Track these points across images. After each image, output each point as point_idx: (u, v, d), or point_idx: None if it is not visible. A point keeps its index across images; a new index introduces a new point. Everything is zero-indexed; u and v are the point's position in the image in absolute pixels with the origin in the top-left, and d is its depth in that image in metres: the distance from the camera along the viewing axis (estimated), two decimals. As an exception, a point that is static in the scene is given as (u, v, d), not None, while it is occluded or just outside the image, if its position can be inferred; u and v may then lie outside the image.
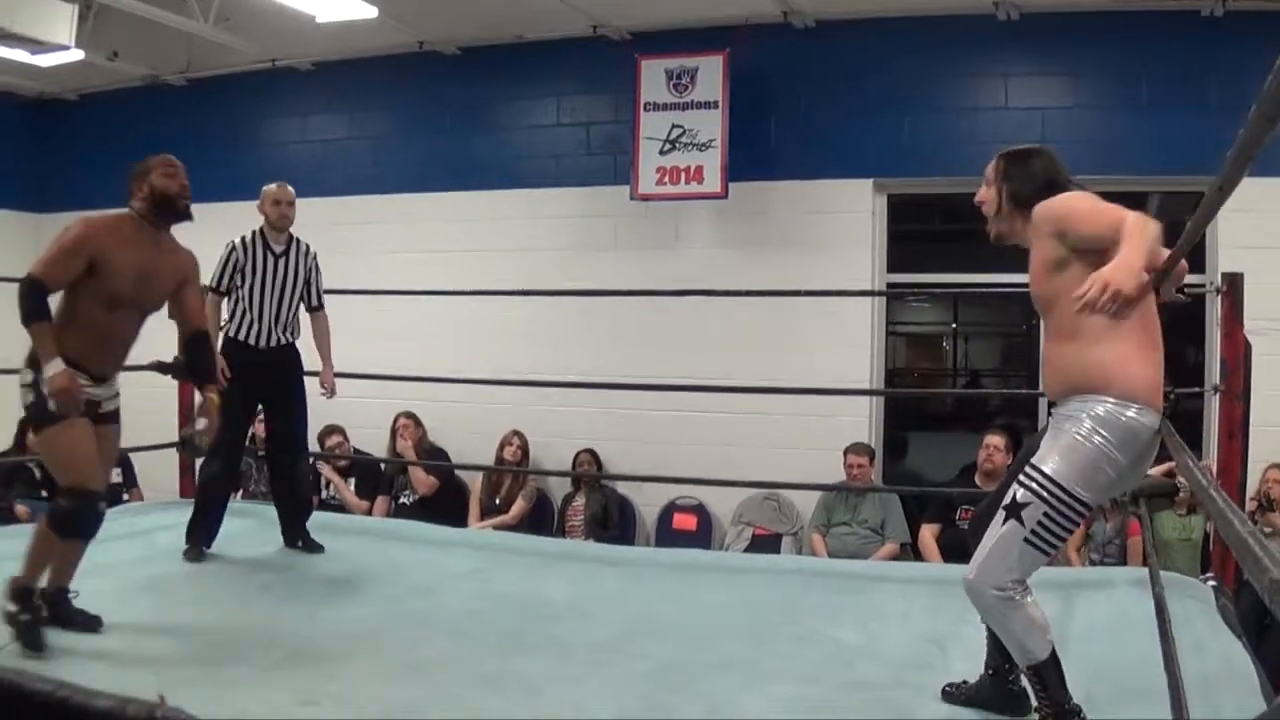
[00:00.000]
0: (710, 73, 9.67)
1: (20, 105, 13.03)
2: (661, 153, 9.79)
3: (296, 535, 7.07)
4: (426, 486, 9.92)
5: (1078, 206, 3.91)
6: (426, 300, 9.28)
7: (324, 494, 10.14)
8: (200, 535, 6.86)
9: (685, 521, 10.04)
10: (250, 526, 7.45)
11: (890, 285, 9.99)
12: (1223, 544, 5.97)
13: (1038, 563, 3.85)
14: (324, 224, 10.88)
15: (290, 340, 7.04)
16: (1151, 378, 3.83)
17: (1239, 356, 6.28)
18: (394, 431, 10.20)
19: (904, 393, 11.57)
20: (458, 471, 10.33)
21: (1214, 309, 7.71)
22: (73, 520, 4.95)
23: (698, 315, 9.46)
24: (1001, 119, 9.55)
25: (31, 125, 13.20)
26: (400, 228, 10.98)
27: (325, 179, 11.28)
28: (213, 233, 11.21)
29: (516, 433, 10.00)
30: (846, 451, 9.05)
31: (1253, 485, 8.09)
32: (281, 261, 6.96)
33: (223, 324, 6.91)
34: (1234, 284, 6.39)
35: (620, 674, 4.79)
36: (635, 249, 10.12)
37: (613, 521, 9.84)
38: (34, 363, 4.96)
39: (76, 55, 10.12)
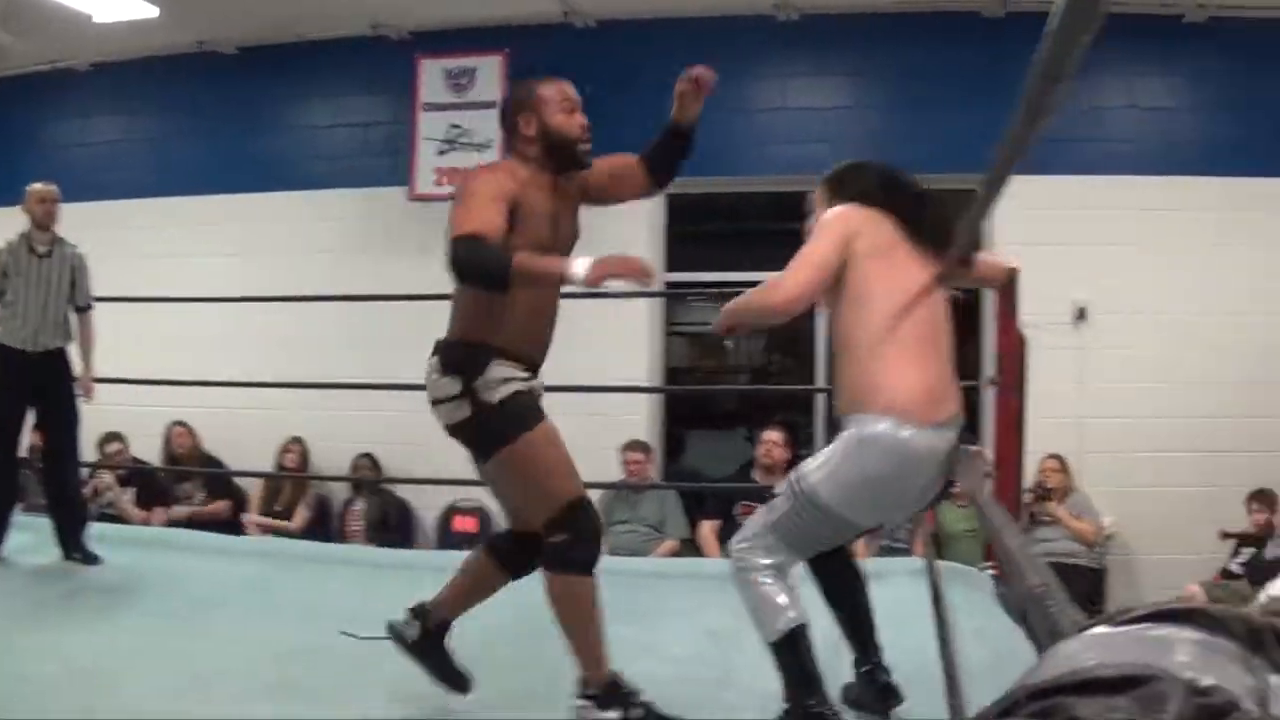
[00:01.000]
0: (489, 72, 9.68)
1: None
2: (440, 153, 9.77)
3: (73, 546, 6.83)
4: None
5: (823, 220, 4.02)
6: (204, 305, 9.12)
7: (101, 503, 9.91)
8: None
9: (466, 524, 10.01)
10: (27, 540, 7.25)
11: (669, 285, 10.06)
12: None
13: (782, 554, 3.89)
14: (103, 228, 10.65)
15: (59, 345, 6.83)
16: (920, 389, 3.80)
17: (1014, 351, 6.45)
18: (167, 440, 10.03)
19: (679, 390, 11.63)
20: (236, 480, 10.18)
21: (989, 304, 7.92)
22: (582, 551, 4.08)
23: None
24: (781, 119, 9.71)
25: None
26: (180, 231, 10.77)
27: (105, 182, 11.06)
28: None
29: (296, 439, 9.89)
30: (624, 449, 9.11)
31: (1030, 474, 8.35)
32: (45, 263, 6.77)
33: None
34: (1008, 279, 6.57)
35: (404, 679, 4.76)
36: (413, 251, 10.03)
37: (392, 525, 9.79)
38: (459, 364, 4.10)
39: None
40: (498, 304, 3.99)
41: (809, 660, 3.86)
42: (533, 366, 4.24)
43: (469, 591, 4.49)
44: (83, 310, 7.01)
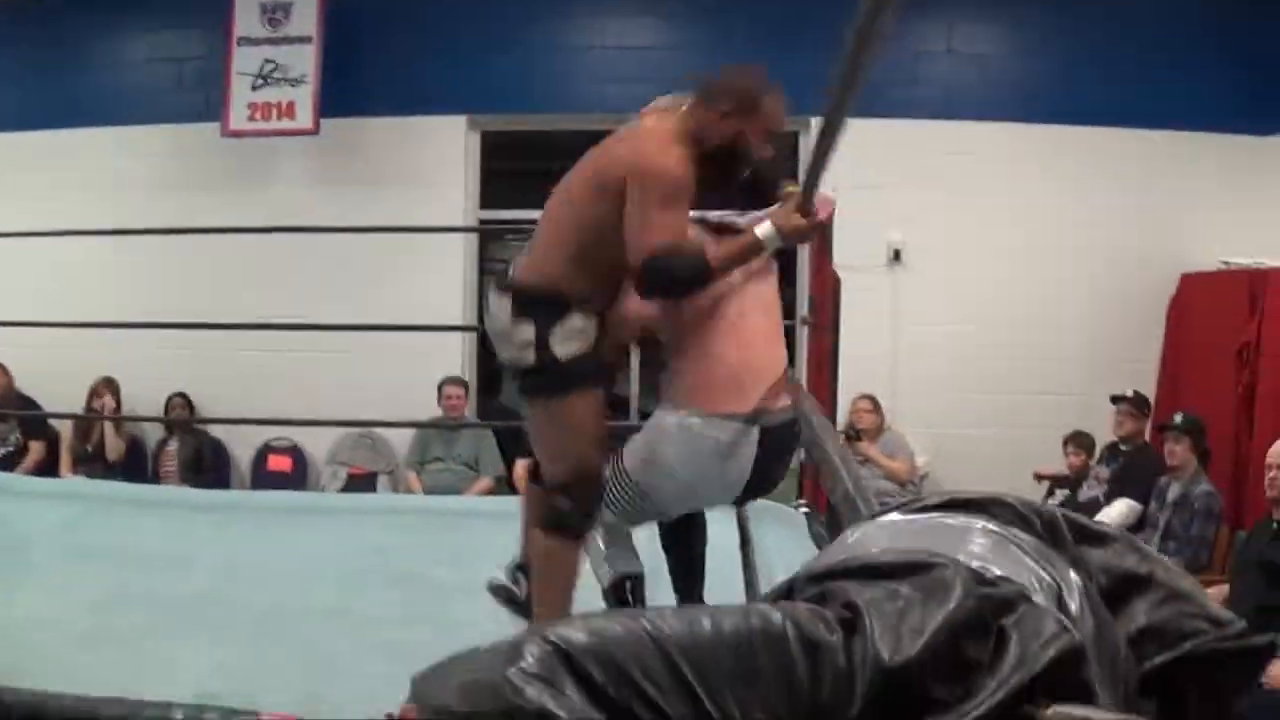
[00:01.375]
0: (305, 7, 9.49)
1: None
2: (254, 88, 9.58)
3: None
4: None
5: None
6: (12, 242, 8.87)
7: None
8: None
9: (280, 463, 9.91)
10: None
11: (483, 222, 10.03)
12: (814, 469, 6.16)
13: (612, 518, 3.96)
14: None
15: None
16: (724, 375, 3.75)
17: (828, 291, 6.52)
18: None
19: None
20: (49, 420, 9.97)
21: (805, 246, 7.98)
22: (577, 519, 3.97)
23: (291, 254, 9.30)
24: (602, 57, 9.67)
25: None
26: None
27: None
28: None
29: (107, 380, 9.69)
30: (442, 384, 9.09)
31: (842, 418, 8.45)
32: None
33: None
34: (824, 221, 6.63)
35: (219, 624, 4.72)
36: (227, 188, 9.87)
37: (207, 465, 9.67)
38: (535, 310, 3.88)
39: None
40: (589, 258, 3.82)
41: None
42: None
43: None
44: None
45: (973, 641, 0.84)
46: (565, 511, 3.92)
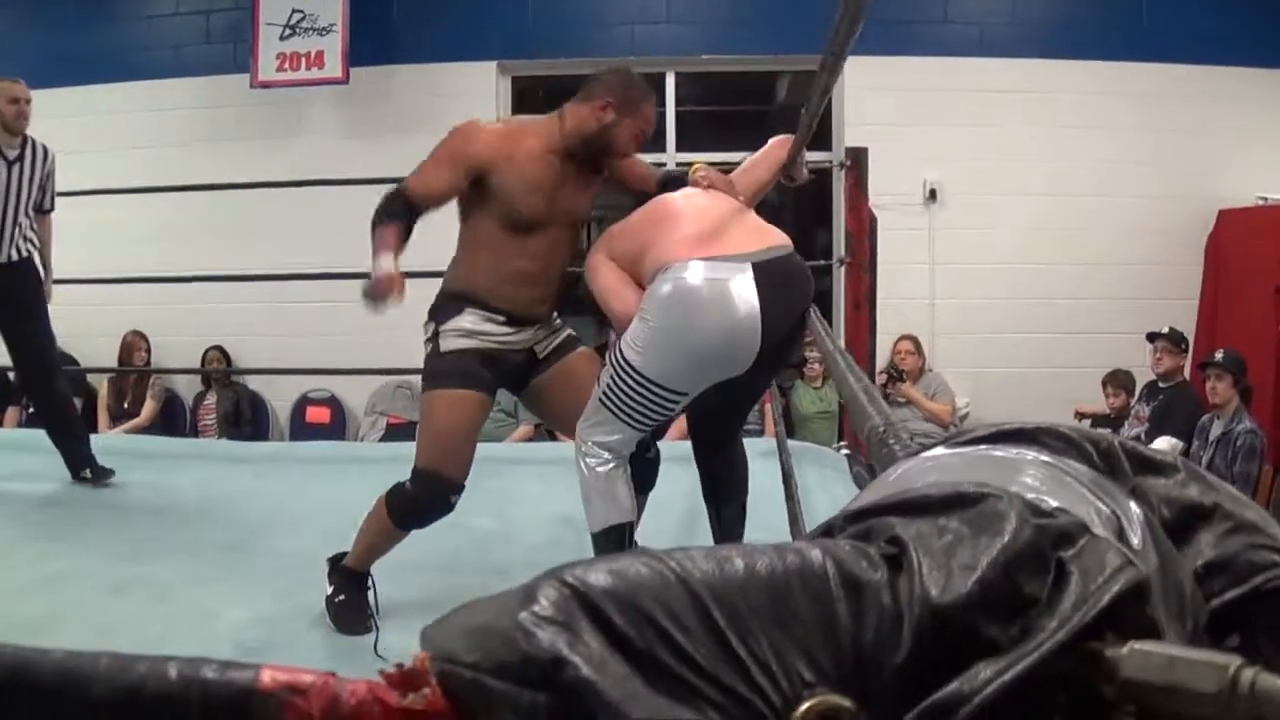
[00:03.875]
0: (333, -46, 9.46)
1: None
2: (282, 38, 9.55)
3: (79, 466, 6.41)
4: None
5: None
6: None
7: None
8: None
9: (319, 414, 9.95)
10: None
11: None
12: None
13: (622, 432, 3.85)
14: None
15: (25, 254, 6.39)
16: (689, 237, 3.77)
17: (864, 229, 6.47)
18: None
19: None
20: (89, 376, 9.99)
21: (840, 184, 7.91)
22: (413, 510, 4.24)
23: (322, 205, 9.28)
24: (628, 1, 9.60)
25: None
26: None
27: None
28: None
29: (139, 334, 9.71)
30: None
31: (884, 357, 8.40)
32: (16, 168, 6.26)
33: None
34: (858, 159, 6.57)
35: (254, 573, 4.73)
36: (258, 139, 9.86)
37: (245, 419, 9.69)
38: (435, 309, 4.37)
39: None
40: (479, 259, 4.27)
41: None
42: (515, 320, 4.28)
43: None
44: (45, 212, 6.61)
45: (1030, 577, 0.78)
46: (408, 495, 4.20)
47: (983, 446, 1.01)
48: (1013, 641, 0.74)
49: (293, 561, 4.84)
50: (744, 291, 3.64)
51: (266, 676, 0.77)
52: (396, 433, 9.42)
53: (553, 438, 8.50)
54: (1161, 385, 8.27)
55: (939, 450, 1.04)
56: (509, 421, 8.88)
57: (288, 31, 9.54)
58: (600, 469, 3.86)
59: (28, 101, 6.33)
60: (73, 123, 10.19)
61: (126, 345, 9.66)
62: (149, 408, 9.65)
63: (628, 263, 3.94)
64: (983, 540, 0.78)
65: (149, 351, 9.81)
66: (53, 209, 6.61)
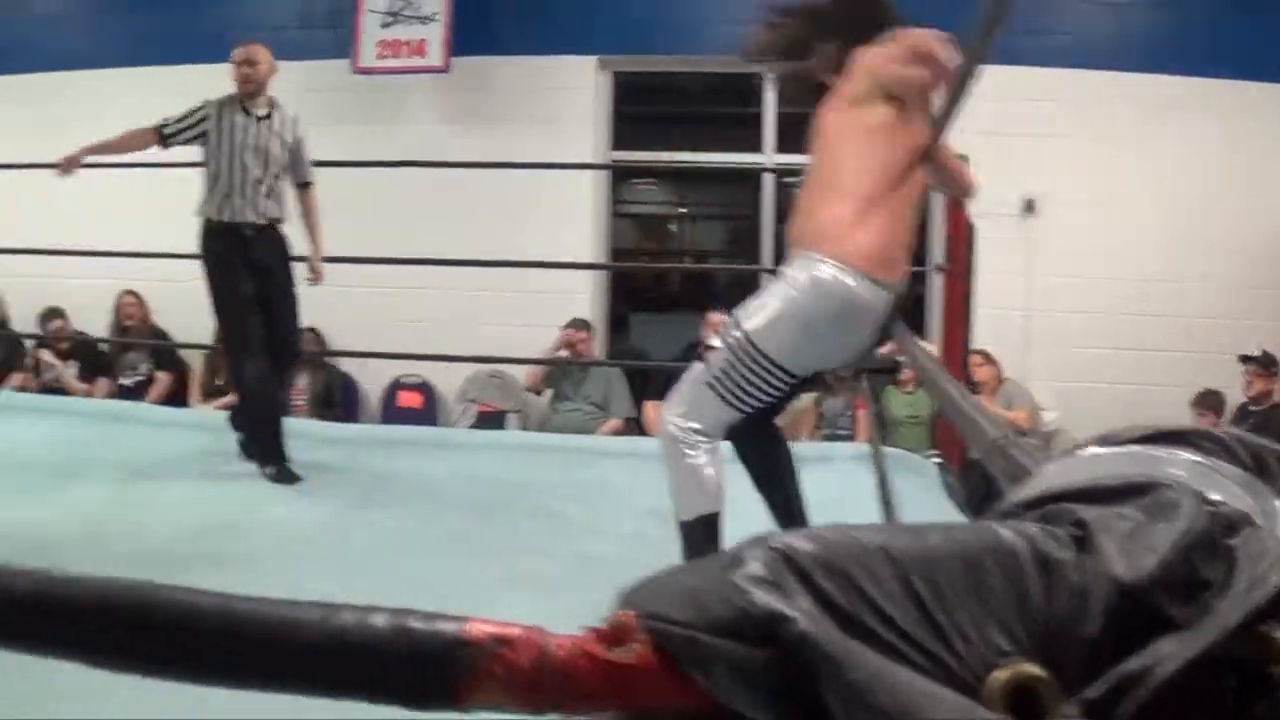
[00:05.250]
0: (435, -56, 9.53)
1: None
2: (384, 26, 9.63)
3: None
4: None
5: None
6: (149, 175, 8.96)
7: (45, 378, 9.87)
8: (276, 448, 6.09)
9: (411, 399, 9.98)
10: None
11: (614, 163, 10.03)
12: (947, 420, 6.13)
13: (720, 416, 3.79)
14: (37, 101, 10.51)
15: (277, 218, 6.36)
16: (887, 248, 3.70)
17: (962, 237, 6.46)
18: (117, 310, 9.96)
19: (625, 267, 11.64)
20: (180, 351, 10.10)
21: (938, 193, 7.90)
22: None
23: (421, 191, 9.36)
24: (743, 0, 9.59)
25: None
26: (120, 103, 10.59)
27: (38, 54, 10.89)
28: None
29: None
30: (565, 327, 9.09)
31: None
32: (265, 125, 6.34)
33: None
34: (966, 191, 6.56)
35: (344, 551, 4.78)
36: (357, 125, 9.93)
37: (336, 400, 9.76)
38: None
39: None
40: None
41: (716, 548, 3.78)
42: None
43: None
44: (304, 186, 6.64)
45: (1205, 560, 0.81)
46: None
47: (1137, 446, 1.04)
48: (1191, 621, 0.78)
49: (383, 539, 4.92)
50: (881, 310, 3.72)
51: (474, 628, 0.81)
52: (487, 421, 9.46)
53: (642, 432, 8.54)
54: (1252, 409, 8.20)
55: (1094, 449, 1.07)
56: (599, 414, 8.92)
57: (389, 19, 9.61)
58: (694, 456, 3.79)
59: (250, 64, 6.43)
60: (170, 102, 10.30)
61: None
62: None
63: (861, 162, 3.75)
64: (1160, 525, 0.82)
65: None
66: (311, 183, 6.64)
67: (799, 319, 3.67)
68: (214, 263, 6.17)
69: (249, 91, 6.35)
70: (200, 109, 6.35)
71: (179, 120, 6.35)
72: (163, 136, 6.34)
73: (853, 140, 3.71)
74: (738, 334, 3.71)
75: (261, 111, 6.35)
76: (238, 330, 6.16)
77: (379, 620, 0.81)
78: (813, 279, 3.65)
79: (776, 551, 0.81)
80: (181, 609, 0.87)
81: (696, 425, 3.80)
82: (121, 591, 0.90)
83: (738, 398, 3.76)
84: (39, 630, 0.88)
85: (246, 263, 6.12)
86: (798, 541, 0.81)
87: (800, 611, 0.76)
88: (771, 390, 3.80)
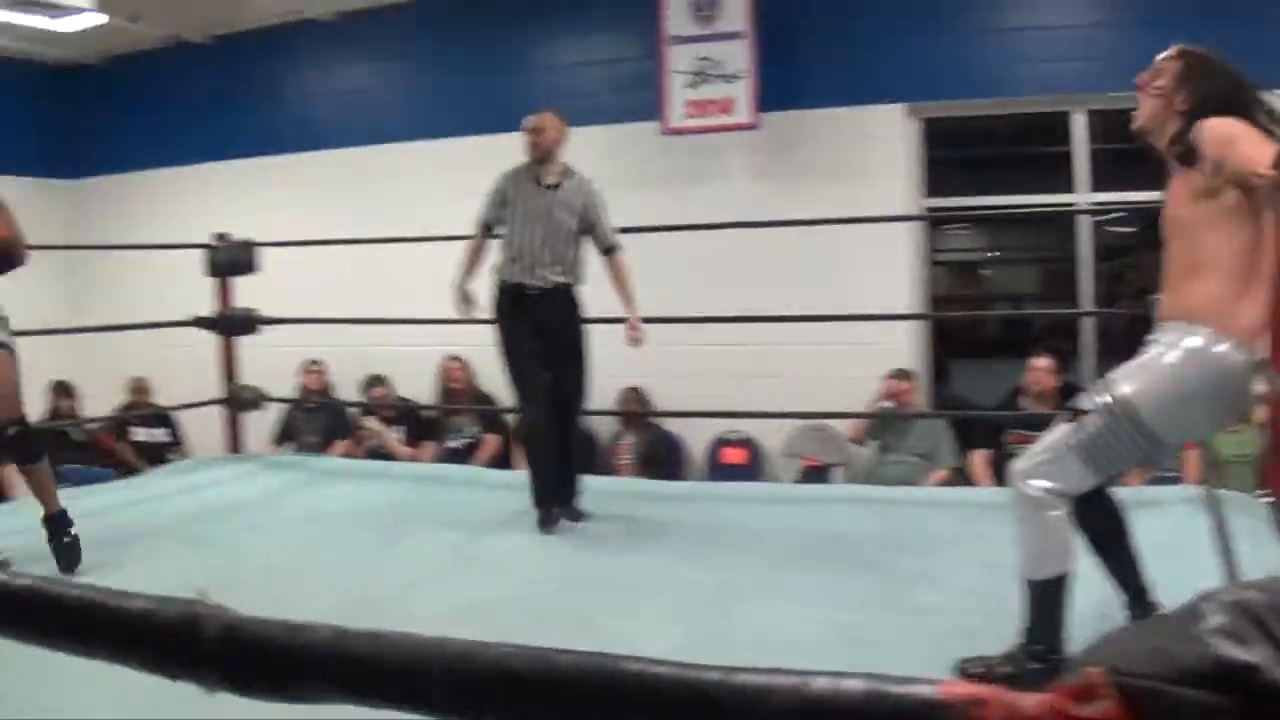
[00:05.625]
0: (735, 2, 9.60)
1: (45, 72, 13.06)
2: (690, 85, 9.74)
3: (576, 498, 6.60)
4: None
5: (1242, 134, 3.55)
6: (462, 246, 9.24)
7: (369, 445, 10.28)
8: (546, 497, 6.38)
9: (735, 455, 10.04)
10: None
11: (929, 210, 9.95)
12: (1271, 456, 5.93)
13: (1084, 478, 3.76)
14: (353, 175, 10.95)
15: (565, 282, 6.58)
16: (1259, 320, 3.67)
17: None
18: (443, 375, 10.27)
19: (951, 316, 11.60)
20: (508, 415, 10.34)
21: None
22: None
23: (734, 249, 9.40)
24: (1035, 38, 9.44)
25: (58, 92, 13.25)
26: (430, 174, 10.95)
27: (353, 129, 11.39)
28: (239, 189, 11.26)
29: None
30: (886, 377, 9.04)
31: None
32: (551, 194, 6.57)
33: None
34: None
35: (672, 604, 4.83)
36: (667, 185, 10.08)
37: (661, 458, 9.86)
38: None
39: (98, 19, 10.01)
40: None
41: (1064, 609, 3.81)
42: None
43: None
44: (608, 252, 6.79)
45: None
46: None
47: None
48: None
49: (709, 594, 4.95)
50: (1244, 389, 3.69)
51: (948, 690, 0.83)
52: (812, 474, 9.46)
53: (968, 482, 8.43)
54: None
55: None
56: (925, 465, 8.83)
57: (696, 79, 9.72)
58: (1053, 515, 3.77)
59: (538, 131, 6.66)
60: (486, 169, 10.60)
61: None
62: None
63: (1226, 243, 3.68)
64: None
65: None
66: (615, 247, 6.78)
67: (1178, 387, 3.65)
68: (501, 320, 6.55)
69: (538, 158, 6.60)
70: (497, 186, 6.69)
71: (486, 209, 6.72)
72: (485, 229, 6.73)
73: (1212, 220, 3.66)
74: (1113, 398, 3.70)
75: (551, 180, 6.59)
76: (517, 380, 6.48)
77: (853, 686, 0.84)
78: (1194, 348, 3.63)
79: (1233, 604, 0.81)
80: (650, 682, 0.90)
81: (1058, 486, 3.78)
82: (575, 662, 0.95)
83: (1105, 461, 3.75)
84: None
85: (532, 322, 6.45)
86: (1249, 594, 0.82)
87: (1265, 659, 0.77)
88: (1135, 456, 3.78)
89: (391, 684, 1.03)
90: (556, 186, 6.58)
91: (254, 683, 1.08)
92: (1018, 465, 3.88)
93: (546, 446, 6.45)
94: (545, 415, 6.41)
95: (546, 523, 6.27)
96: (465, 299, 6.72)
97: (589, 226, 6.64)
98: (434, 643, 1.03)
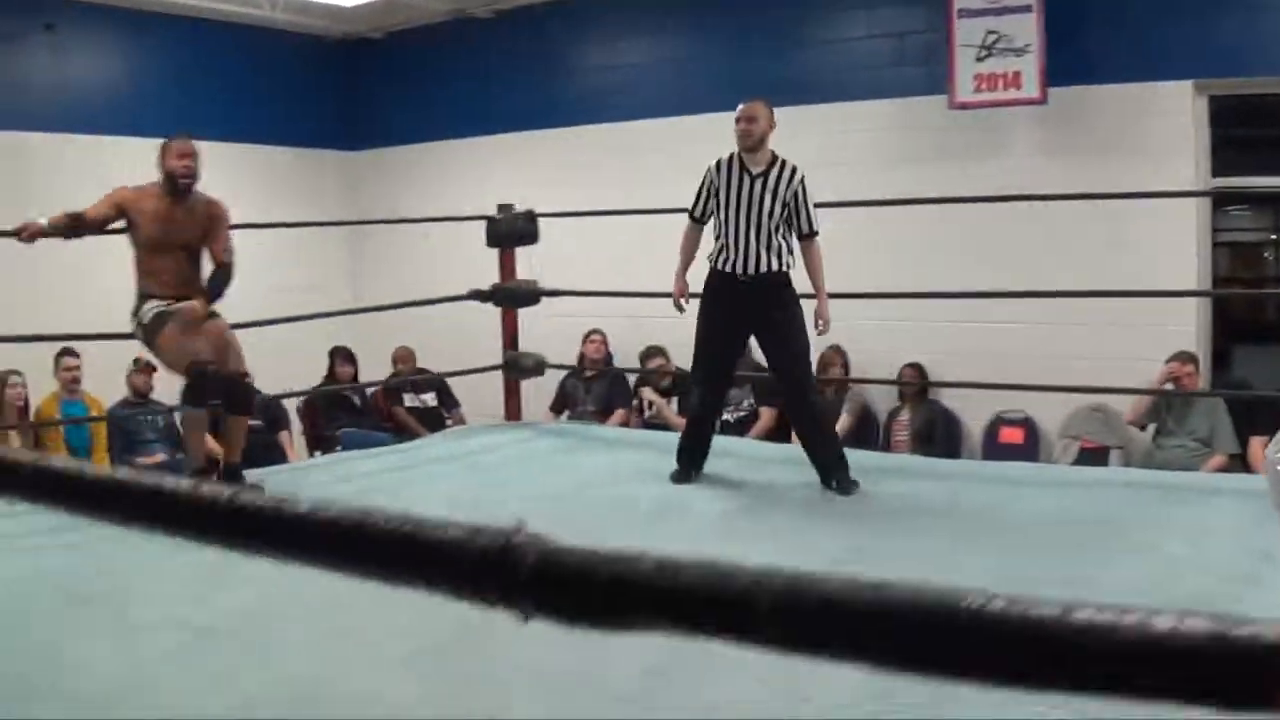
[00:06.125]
0: (1023, -27, 9.52)
1: (329, 47, 13.64)
2: (978, 59, 9.68)
3: (827, 476, 6.77)
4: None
5: None
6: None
7: (646, 414, 10.50)
8: (686, 459, 6.98)
9: (1012, 435, 10.01)
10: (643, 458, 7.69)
11: (1217, 189, 9.76)
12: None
13: None
14: (631, 149, 11.09)
15: (775, 270, 6.74)
16: None
17: None
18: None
19: (1239, 293, 11.32)
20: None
21: None
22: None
23: (1019, 224, 9.37)
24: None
25: (341, 66, 13.84)
26: (711, 147, 11.00)
27: (633, 103, 11.58)
28: (536, 157, 11.47)
29: (837, 350, 10.08)
30: (1169, 360, 8.89)
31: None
32: (759, 183, 6.75)
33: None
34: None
35: (944, 585, 4.88)
36: (952, 159, 10.04)
37: (938, 436, 9.88)
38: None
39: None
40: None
41: None
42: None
43: None
44: (806, 237, 6.89)
45: None
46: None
47: None
48: None
49: (980, 577, 4.96)
50: None
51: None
52: (1089, 456, 9.37)
53: (1247, 469, 8.25)
54: None
55: None
56: (1204, 450, 8.70)
57: (984, 53, 9.64)
58: None
59: (748, 120, 6.81)
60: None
61: (823, 361, 9.95)
62: (843, 420, 9.98)
63: None
64: None
65: (846, 367, 10.16)
66: (813, 233, 6.87)
67: None
68: (704, 302, 6.86)
69: (746, 146, 6.78)
70: (706, 178, 6.91)
71: (697, 199, 6.98)
72: (697, 221, 7.00)
73: None
74: None
75: (757, 169, 6.76)
76: (699, 362, 6.92)
77: (1197, 626, 0.89)
78: None
79: None
80: (985, 618, 0.97)
81: None
82: (909, 598, 1.01)
83: None
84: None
85: (736, 308, 6.74)
86: None
87: None
88: None
89: (715, 613, 1.05)
90: (764, 174, 6.76)
91: (572, 611, 1.13)
92: (1272, 446, 3.85)
93: (702, 431, 7.05)
94: (710, 401, 7.13)
95: (680, 478, 6.89)
96: (681, 292, 7.02)
97: (794, 213, 6.79)
98: (760, 573, 1.03)
